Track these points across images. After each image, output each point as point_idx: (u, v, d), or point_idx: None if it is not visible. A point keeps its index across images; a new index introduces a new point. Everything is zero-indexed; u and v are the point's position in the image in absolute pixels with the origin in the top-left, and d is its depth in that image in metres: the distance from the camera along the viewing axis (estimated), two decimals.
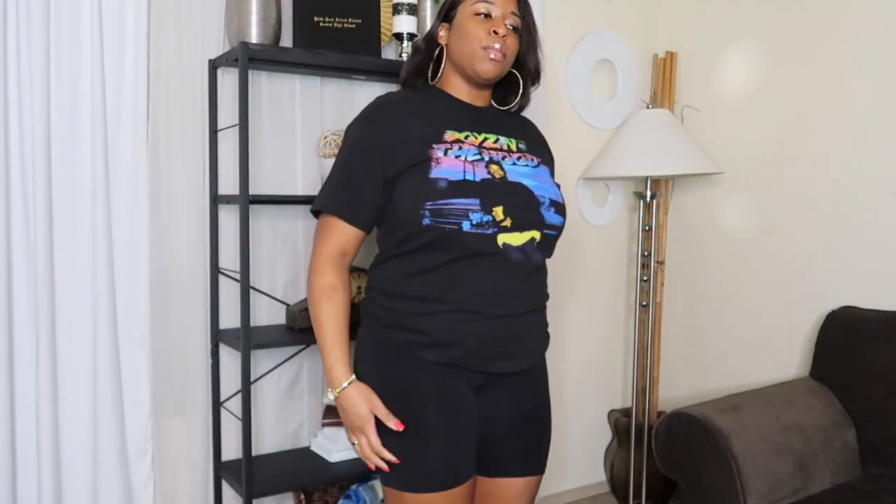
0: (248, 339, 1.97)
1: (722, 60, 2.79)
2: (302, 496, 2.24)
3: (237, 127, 1.95)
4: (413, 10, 2.18)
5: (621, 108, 2.93)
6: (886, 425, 2.09)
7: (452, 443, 1.46)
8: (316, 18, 2.11)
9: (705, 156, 2.61)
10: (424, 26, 2.28)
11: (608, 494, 3.02)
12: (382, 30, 2.22)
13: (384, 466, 1.46)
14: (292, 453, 2.29)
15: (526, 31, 1.58)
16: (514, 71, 1.61)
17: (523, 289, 1.50)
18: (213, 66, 2.12)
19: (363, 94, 2.39)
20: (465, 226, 1.41)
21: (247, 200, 1.94)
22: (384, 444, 1.46)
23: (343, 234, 1.50)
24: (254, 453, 2.14)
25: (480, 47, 1.50)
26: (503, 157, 1.53)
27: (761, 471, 1.94)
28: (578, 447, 2.98)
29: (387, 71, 2.28)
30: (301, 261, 2.32)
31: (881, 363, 2.13)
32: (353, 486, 2.25)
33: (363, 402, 1.45)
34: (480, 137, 1.54)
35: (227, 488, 2.22)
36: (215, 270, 2.17)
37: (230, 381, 2.21)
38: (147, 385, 1.98)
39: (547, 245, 1.55)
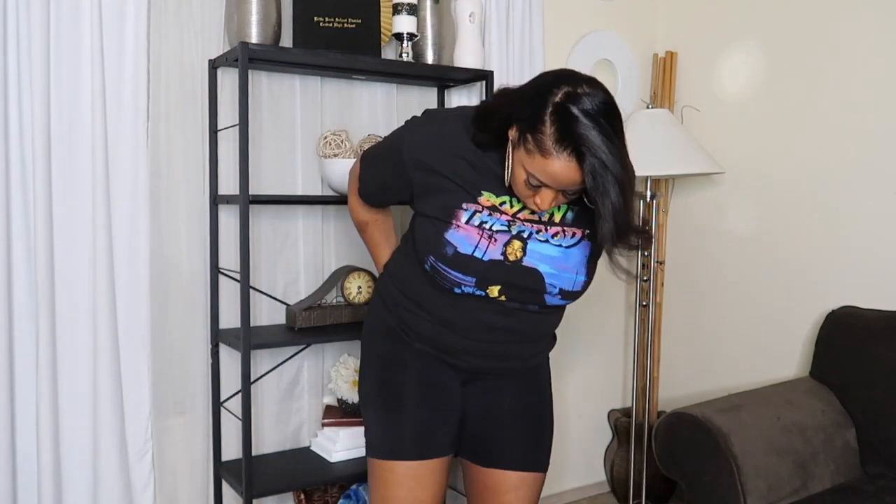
0: (248, 339, 1.97)
1: (722, 60, 2.79)
2: (302, 496, 2.24)
3: (237, 127, 1.95)
4: (413, 10, 2.18)
5: (621, 108, 2.92)
6: (886, 425, 2.09)
7: (427, 419, 1.51)
8: (316, 18, 2.10)
9: (705, 156, 2.61)
10: (425, 26, 2.29)
11: (608, 494, 3.02)
12: (382, 30, 2.22)
13: None
14: (292, 453, 2.29)
15: (600, 200, 1.27)
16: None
17: (514, 327, 1.49)
18: (213, 66, 2.12)
19: (363, 94, 2.39)
20: (456, 290, 1.44)
21: (247, 200, 1.94)
22: (364, 414, 1.59)
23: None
24: (254, 453, 2.13)
25: (524, 196, 1.38)
26: (537, 231, 1.43)
27: (761, 471, 1.94)
28: (578, 447, 2.98)
29: (387, 71, 2.29)
30: (301, 261, 2.32)
31: (881, 363, 2.13)
32: (353, 486, 2.25)
33: None
34: (518, 206, 1.43)
35: (227, 488, 2.22)
36: (215, 270, 2.17)
37: (230, 381, 2.21)
38: (147, 385, 1.99)
39: (545, 311, 1.52)
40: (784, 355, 2.58)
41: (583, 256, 1.47)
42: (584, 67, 2.84)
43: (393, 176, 1.52)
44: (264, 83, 2.23)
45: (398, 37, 2.19)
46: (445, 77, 2.39)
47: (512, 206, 1.43)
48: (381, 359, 1.59)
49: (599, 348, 3.01)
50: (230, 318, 2.20)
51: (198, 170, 2.15)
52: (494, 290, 1.42)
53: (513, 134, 1.34)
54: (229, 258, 2.19)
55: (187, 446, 2.19)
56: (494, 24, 2.48)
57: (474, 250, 1.39)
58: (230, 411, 2.19)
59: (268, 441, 2.30)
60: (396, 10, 2.18)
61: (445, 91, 2.50)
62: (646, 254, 2.80)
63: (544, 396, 1.65)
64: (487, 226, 1.41)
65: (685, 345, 2.95)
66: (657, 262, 2.93)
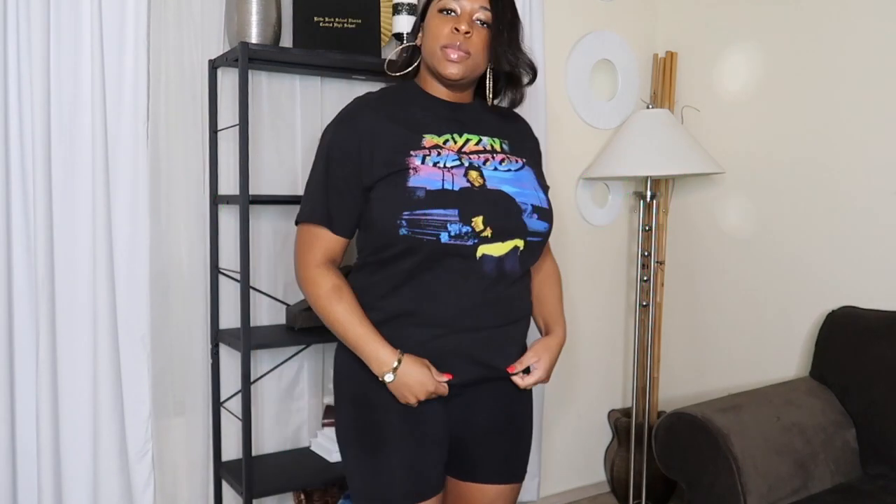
0: (248, 339, 1.97)
1: (722, 60, 2.79)
2: (302, 496, 2.24)
3: (237, 127, 1.95)
4: (413, 10, 2.18)
5: (621, 108, 2.93)
6: (886, 425, 2.09)
7: (416, 454, 1.45)
8: (316, 18, 2.11)
9: (705, 156, 2.61)
10: None
11: (608, 494, 3.02)
12: (382, 30, 2.22)
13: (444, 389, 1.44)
14: (292, 453, 2.29)
15: (499, 28, 1.47)
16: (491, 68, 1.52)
17: (497, 301, 1.45)
18: (213, 66, 2.12)
19: (363, 93, 2.38)
20: (444, 237, 1.38)
21: (247, 200, 1.94)
22: (349, 455, 1.50)
23: (327, 242, 1.48)
24: (254, 453, 2.13)
25: (440, 47, 1.45)
26: (485, 161, 1.48)
27: (761, 471, 1.94)
28: (578, 447, 2.98)
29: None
30: None
31: (881, 363, 2.13)
32: None
33: (422, 369, 1.42)
34: (461, 140, 1.49)
35: (227, 488, 2.22)
36: (215, 270, 2.17)
37: (230, 381, 2.21)
38: (147, 385, 1.98)
39: (531, 253, 1.50)
40: (784, 355, 2.58)
41: (532, 178, 1.54)
42: (584, 67, 2.85)
43: (344, 173, 1.46)
44: (264, 83, 2.23)
45: (398, 37, 2.19)
46: None
47: (455, 143, 1.48)
48: (358, 393, 1.49)
49: (599, 348, 3.01)
50: (230, 318, 2.20)
51: (198, 170, 2.15)
52: (479, 222, 1.40)
53: (421, 32, 1.53)
54: (229, 258, 2.19)
55: (187, 446, 2.19)
56: None
57: (443, 184, 1.41)
58: (230, 411, 2.19)
59: (268, 441, 2.30)
60: (396, 10, 2.18)
61: None
62: (646, 254, 2.80)
63: (524, 406, 1.60)
64: (441, 163, 1.44)
65: (685, 345, 2.95)
66: (657, 262, 2.93)
